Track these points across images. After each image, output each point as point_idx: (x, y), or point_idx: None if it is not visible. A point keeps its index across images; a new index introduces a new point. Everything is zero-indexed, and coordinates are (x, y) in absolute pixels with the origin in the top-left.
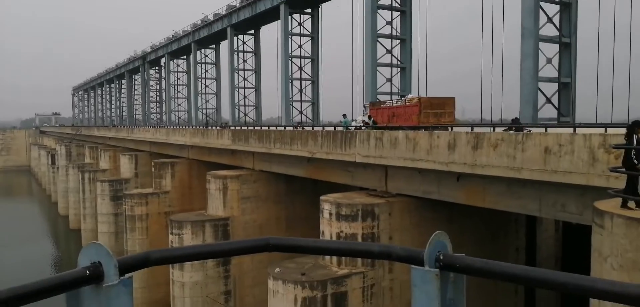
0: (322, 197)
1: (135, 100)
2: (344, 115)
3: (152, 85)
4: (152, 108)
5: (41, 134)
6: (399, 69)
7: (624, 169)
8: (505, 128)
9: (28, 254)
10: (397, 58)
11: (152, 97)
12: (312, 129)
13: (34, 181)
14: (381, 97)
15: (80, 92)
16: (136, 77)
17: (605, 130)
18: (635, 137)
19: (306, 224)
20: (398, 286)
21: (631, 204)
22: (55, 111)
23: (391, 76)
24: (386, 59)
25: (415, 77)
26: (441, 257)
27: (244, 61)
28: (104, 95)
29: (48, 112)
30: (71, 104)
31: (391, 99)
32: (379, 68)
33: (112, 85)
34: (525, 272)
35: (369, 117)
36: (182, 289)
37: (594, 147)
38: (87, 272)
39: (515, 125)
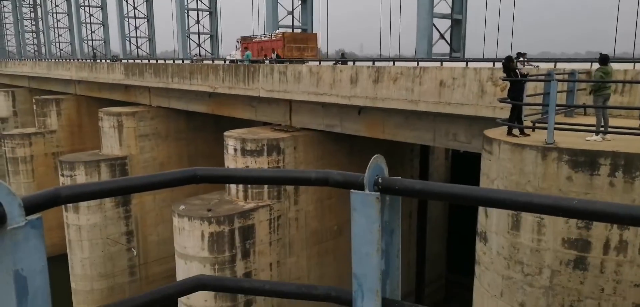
0: (226, 133)
1: (7, 29)
2: (246, 48)
3: (25, 14)
4: (28, 39)
5: None
6: (300, 0)
7: (509, 100)
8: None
9: None
10: None
11: (26, 27)
12: (213, 62)
13: None
14: (282, 30)
15: None
16: (5, 3)
17: (493, 65)
18: (515, 71)
19: (210, 162)
20: (303, 216)
21: (515, 131)
22: None
23: (292, 8)
24: None
25: (317, 11)
26: (380, 181)
27: None
28: None
29: None
30: None
31: (260, 35)
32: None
33: None
34: (464, 191)
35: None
36: (79, 233)
37: (483, 81)
38: None
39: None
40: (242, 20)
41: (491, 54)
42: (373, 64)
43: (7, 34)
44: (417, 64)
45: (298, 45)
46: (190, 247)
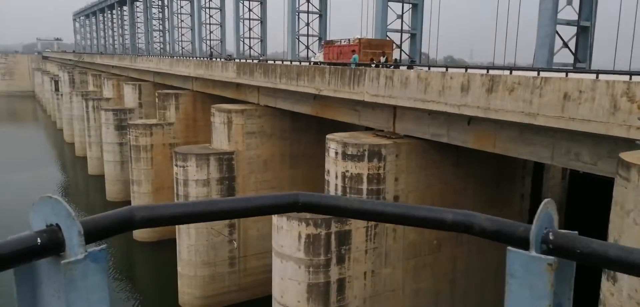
0: (328, 136)
1: (138, 28)
2: (353, 51)
3: (154, 14)
4: (155, 37)
5: (44, 60)
6: (410, 5)
7: None
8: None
9: (37, 178)
10: None
11: (154, 26)
12: (320, 64)
13: (39, 106)
14: (390, 35)
15: (81, 18)
16: (138, 3)
17: (630, 78)
18: None
19: (311, 162)
20: (401, 227)
21: None
22: (57, 36)
23: (402, 12)
24: None
25: (428, 14)
26: (551, 238)
27: None
28: (105, 22)
29: (50, 37)
30: (73, 29)
31: (340, 40)
32: (389, 3)
33: (114, 12)
34: None
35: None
36: None
37: (616, 95)
38: (39, 240)
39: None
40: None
41: (624, 67)
42: (487, 71)
43: (137, 33)
44: (538, 74)
45: (373, 51)
46: (287, 247)
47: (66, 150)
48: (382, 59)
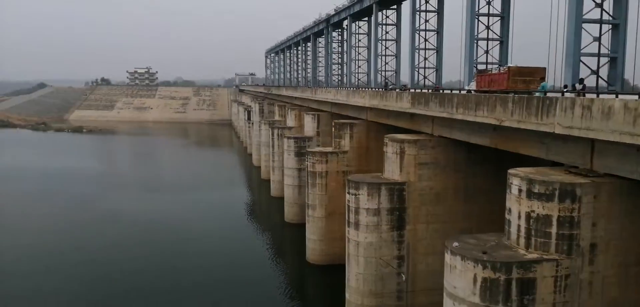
0: (510, 171)
1: (319, 62)
2: (542, 79)
3: (334, 48)
4: (334, 70)
5: (240, 92)
6: (609, 26)
7: None
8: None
9: (227, 197)
10: (608, 12)
11: (334, 59)
12: (502, 93)
13: (234, 133)
14: (584, 60)
15: (272, 55)
16: (320, 40)
17: None
18: None
19: (488, 198)
20: (600, 281)
21: None
22: (251, 72)
23: (600, 35)
24: (594, 14)
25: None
26: None
27: (426, 21)
28: (291, 58)
29: (246, 72)
30: (264, 65)
31: (491, 68)
32: (584, 25)
33: (299, 48)
34: None
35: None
36: (357, 248)
37: None
38: None
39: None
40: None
41: None
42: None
43: (319, 66)
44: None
45: (523, 78)
46: (461, 289)
47: (253, 173)
48: (579, 86)
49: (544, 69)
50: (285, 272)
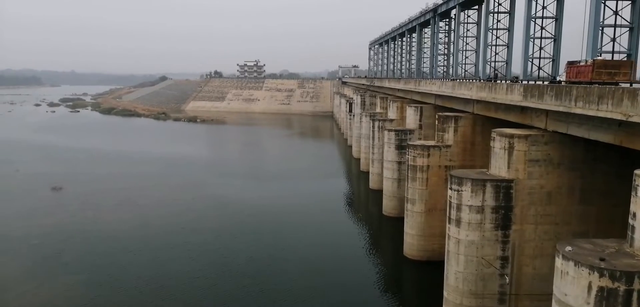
0: (637, 171)
1: (424, 53)
2: (625, 74)
3: (440, 38)
4: (440, 61)
5: (342, 84)
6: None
7: None
8: None
9: (326, 187)
10: None
11: (440, 50)
12: (631, 85)
13: (335, 125)
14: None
15: (375, 46)
16: (426, 30)
17: None
18: None
19: (607, 200)
20: None
21: None
22: (354, 64)
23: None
24: None
25: None
26: None
27: (543, 8)
28: (395, 49)
29: (349, 64)
30: (368, 57)
31: (579, 61)
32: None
33: (403, 39)
34: None
35: None
36: (457, 246)
37: None
38: None
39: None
40: None
41: None
42: None
43: (423, 57)
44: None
45: (608, 71)
46: (572, 298)
47: (353, 165)
48: None
49: (631, 62)
50: (381, 265)
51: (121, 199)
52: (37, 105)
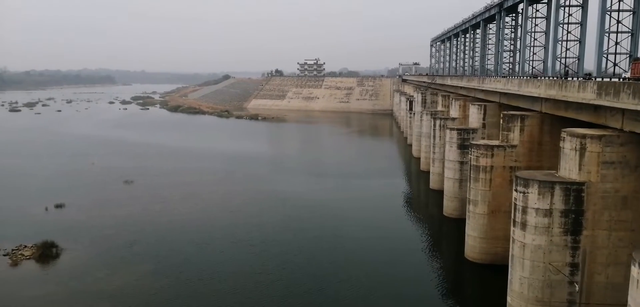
0: None
1: (488, 50)
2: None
3: (506, 34)
4: (505, 58)
5: (402, 82)
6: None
7: None
8: None
9: (385, 186)
10: None
11: (505, 46)
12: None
13: (394, 123)
14: None
15: (437, 43)
16: (491, 26)
17: None
18: None
19: None
20: None
21: None
22: (415, 61)
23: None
24: None
25: None
26: None
27: (620, 0)
28: (458, 46)
29: (409, 62)
30: (429, 54)
31: None
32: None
33: (467, 35)
34: None
35: None
36: (523, 250)
37: None
38: None
39: None
40: None
41: None
42: None
43: (487, 54)
44: None
45: None
46: None
47: (412, 164)
48: None
49: None
50: (442, 267)
51: (187, 192)
52: (111, 103)
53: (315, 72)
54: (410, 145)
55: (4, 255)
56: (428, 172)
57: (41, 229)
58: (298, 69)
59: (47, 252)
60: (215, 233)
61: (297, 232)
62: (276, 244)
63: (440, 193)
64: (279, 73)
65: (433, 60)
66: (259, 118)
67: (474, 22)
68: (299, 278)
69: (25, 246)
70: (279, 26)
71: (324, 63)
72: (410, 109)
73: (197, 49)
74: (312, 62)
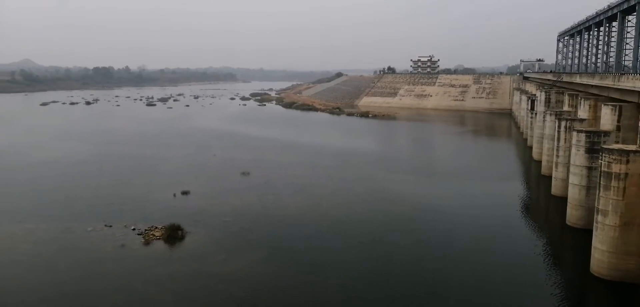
0: None
1: (627, 44)
2: None
3: None
4: None
5: (524, 80)
6: None
7: None
8: None
9: (501, 189)
10: None
11: None
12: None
13: (513, 124)
14: None
15: (565, 38)
16: (630, 18)
17: None
18: None
19: None
20: None
21: None
22: (539, 58)
23: None
24: None
25: None
26: None
27: None
28: (590, 40)
29: (533, 58)
30: (555, 50)
31: None
32: None
33: (601, 29)
34: None
35: None
36: None
37: None
38: None
39: None
40: None
41: None
42: None
43: (626, 48)
44: None
45: None
46: None
47: (532, 168)
48: None
49: None
50: (564, 281)
51: (299, 186)
52: (232, 98)
53: (429, 70)
54: (531, 147)
55: (138, 234)
56: (550, 177)
57: (170, 213)
58: (411, 66)
59: (173, 234)
60: (324, 228)
61: (406, 233)
62: (384, 244)
63: (562, 200)
64: (391, 70)
65: (560, 56)
66: (370, 115)
67: (609, 13)
68: (406, 280)
69: (156, 227)
70: (392, 24)
71: (438, 60)
72: (532, 108)
73: (311, 47)
74: (425, 59)
